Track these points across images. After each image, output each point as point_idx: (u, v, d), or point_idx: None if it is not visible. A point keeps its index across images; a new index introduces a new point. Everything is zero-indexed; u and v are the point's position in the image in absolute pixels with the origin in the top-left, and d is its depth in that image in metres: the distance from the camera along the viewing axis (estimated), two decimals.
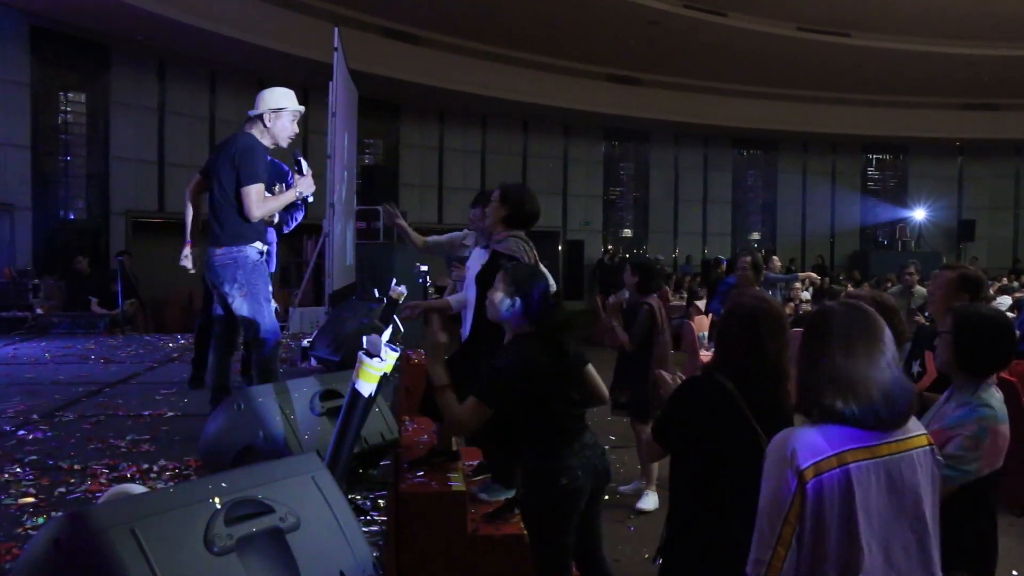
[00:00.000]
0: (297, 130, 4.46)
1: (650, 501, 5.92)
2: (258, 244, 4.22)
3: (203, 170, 4.49)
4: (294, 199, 4.47)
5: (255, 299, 4.17)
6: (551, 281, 4.47)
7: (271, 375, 4.13)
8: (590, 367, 3.46)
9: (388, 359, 2.43)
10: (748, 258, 7.33)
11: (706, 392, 2.68)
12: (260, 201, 4.13)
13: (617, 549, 5.00)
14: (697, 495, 2.68)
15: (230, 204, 4.12)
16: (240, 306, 4.16)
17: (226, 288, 4.15)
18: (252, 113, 4.30)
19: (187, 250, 4.62)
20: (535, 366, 3.11)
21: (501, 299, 3.24)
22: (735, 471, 2.65)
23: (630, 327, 6.00)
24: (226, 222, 4.14)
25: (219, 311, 4.37)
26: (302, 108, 4.43)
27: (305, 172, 4.46)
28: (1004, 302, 11.48)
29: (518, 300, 3.21)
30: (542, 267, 4.43)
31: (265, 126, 4.27)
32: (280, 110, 4.30)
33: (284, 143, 4.40)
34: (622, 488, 6.19)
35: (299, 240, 15.14)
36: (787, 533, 1.89)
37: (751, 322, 2.68)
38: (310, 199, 4.58)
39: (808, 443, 1.92)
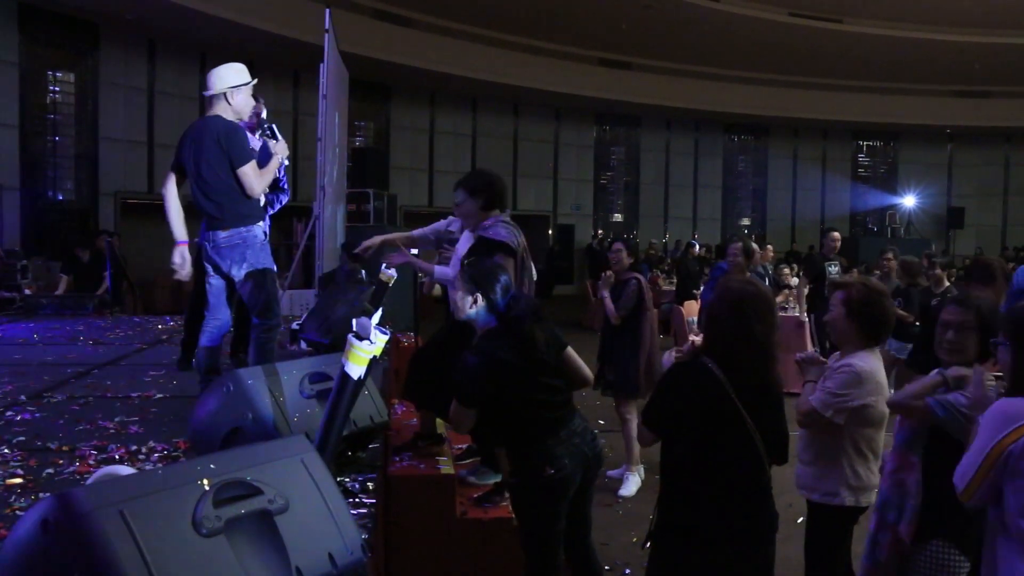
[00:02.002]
0: (255, 103, 4.47)
1: (631, 486, 5.96)
2: (262, 224, 4.22)
3: (174, 165, 4.31)
4: (278, 164, 4.48)
5: (262, 279, 4.16)
6: (532, 270, 4.46)
7: (269, 355, 4.11)
8: (570, 350, 3.43)
9: (378, 342, 2.42)
10: (739, 244, 7.35)
11: (693, 377, 2.70)
12: (258, 177, 4.14)
13: (605, 533, 5.02)
14: (687, 479, 2.70)
15: (229, 187, 4.09)
16: (245, 286, 4.14)
17: (234, 270, 4.12)
18: (208, 93, 4.25)
19: (183, 250, 4.24)
20: (502, 363, 3.09)
21: (463, 298, 3.23)
22: (723, 455, 2.66)
23: (617, 301, 6.06)
24: (227, 205, 4.10)
25: (215, 292, 4.32)
26: (255, 80, 4.41)
27: (279, 138, 4.50)
28: None
29: (479, 298, 3.20)
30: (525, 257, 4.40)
31: (228, 103, 4.24)
32: (239, 86, 4.27)
33: (246, 117, 4.44)
34: (610, 473, 6.21)
35: (289, 222, 15.08)
36: (987, 466, 2.34)
37: (739, 305, 2.70)
38: (286, 163, 4.63)
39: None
